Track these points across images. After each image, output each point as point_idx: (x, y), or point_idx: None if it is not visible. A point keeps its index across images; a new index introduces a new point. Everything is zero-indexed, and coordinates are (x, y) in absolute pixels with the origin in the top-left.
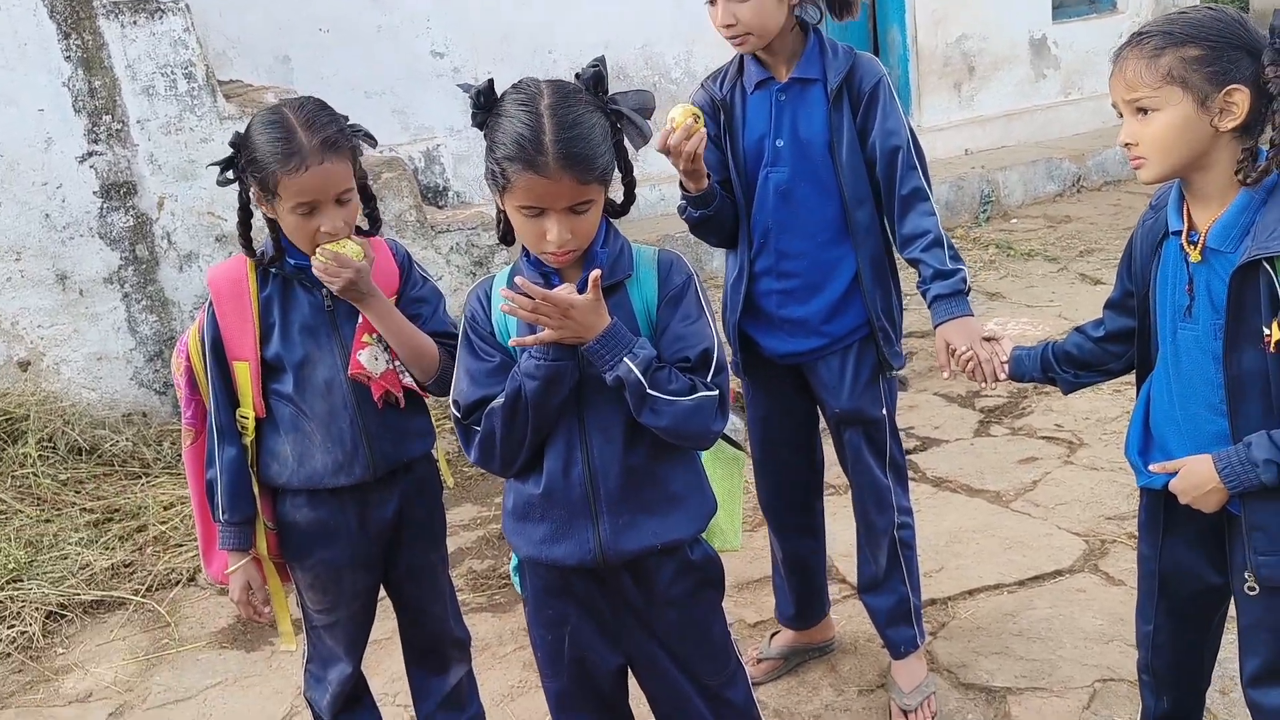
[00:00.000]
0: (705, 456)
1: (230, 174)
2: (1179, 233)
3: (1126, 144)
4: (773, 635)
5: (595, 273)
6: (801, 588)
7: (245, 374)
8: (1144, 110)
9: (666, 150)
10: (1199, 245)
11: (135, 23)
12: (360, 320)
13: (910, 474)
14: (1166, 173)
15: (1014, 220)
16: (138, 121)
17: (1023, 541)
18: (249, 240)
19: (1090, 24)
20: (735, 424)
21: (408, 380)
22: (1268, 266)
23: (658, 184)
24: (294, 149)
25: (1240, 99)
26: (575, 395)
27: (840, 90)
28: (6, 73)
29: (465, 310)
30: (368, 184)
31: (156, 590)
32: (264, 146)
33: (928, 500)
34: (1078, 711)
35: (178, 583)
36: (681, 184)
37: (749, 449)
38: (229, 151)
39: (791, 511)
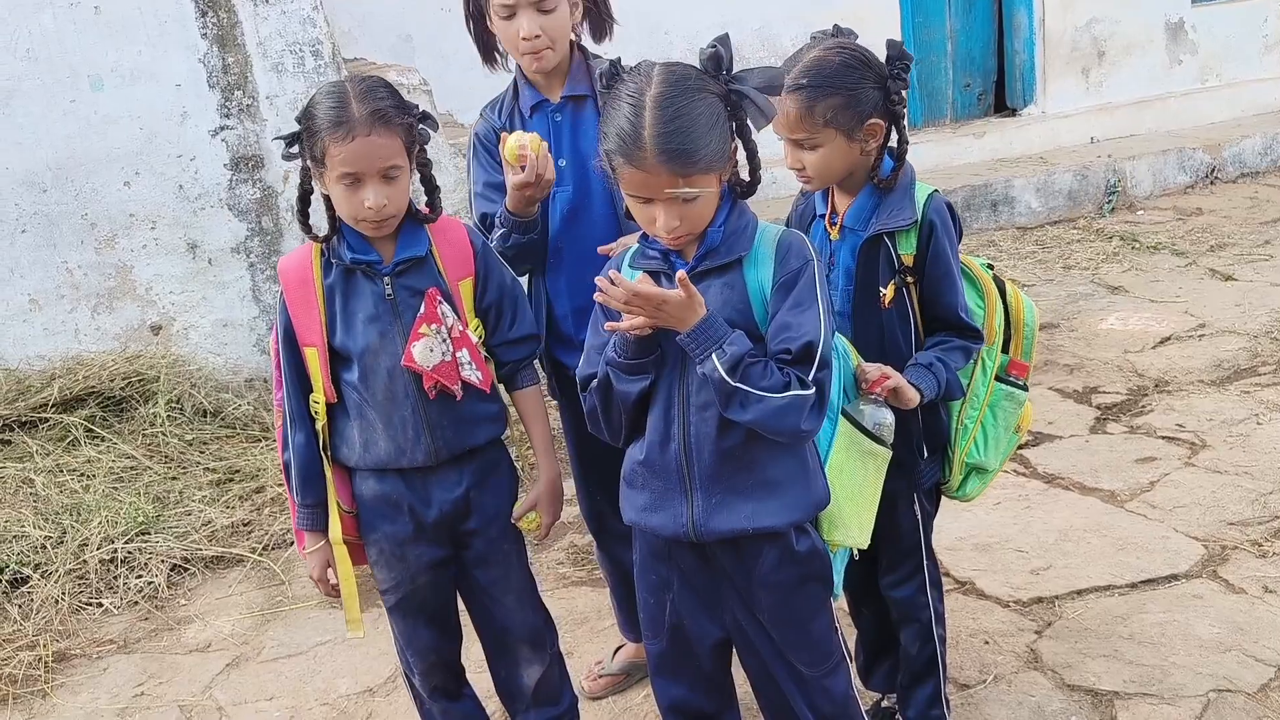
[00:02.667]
0: (839, 448)
1: (295, 149)
2: (824, 215)
3: (796, 168)
4: (616, 650)
5: (681, 273)
6: (632, 599)
7: (314, 360)
8: (804, 145)
9: (523, 179)
10: (838, 225)
11: (267, 1)
12: (422, 310)
13: (1020, 470)
14: (828, 185)
15: (1140, 212)
16: (267, 97)
17: (1137, 543)
18: (306, 217)
19: (1233, 8)
20: (883, 419)
21: (466, 374)
22: (887, 240)
23: (769, 166)
24: (344, 117)
25: (877, 128)
26: (679, 371)
27: None
28: (149, 49)
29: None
30: (430, 172)
31: (272, 549)
32: (318, 114)
33: (1038, 497)
34: None
35: (292, 543)
36: (508, 213)
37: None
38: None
39: (618, 523)
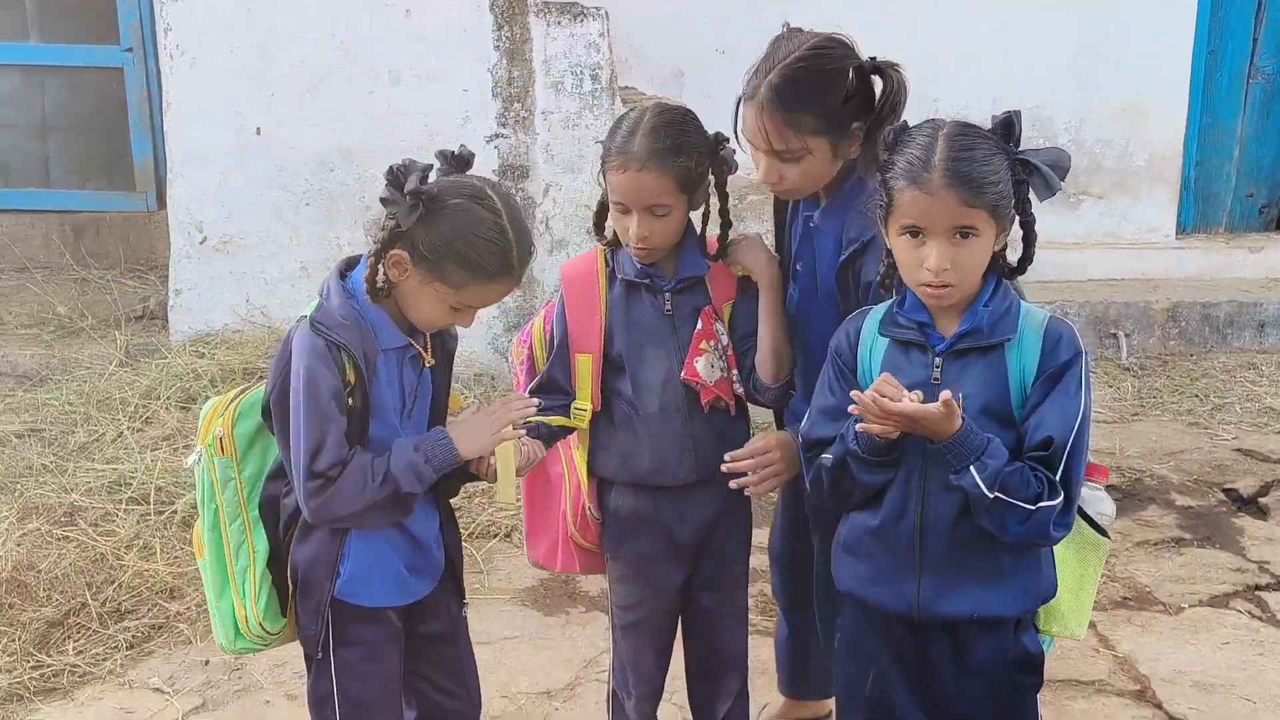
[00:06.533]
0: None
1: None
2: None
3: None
4: (763, 707)
5: (948, 395)
6: (796, 659)
7: (587, 366)
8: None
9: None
10: None
11: (559, 23)
12: (700, 327)
13: (1257, 613)
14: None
15: None
16: (542, 113)
17: None
18: (602, 223)
19: None
20: (1105, 508)
21: (739, 389)
22: None
23: (1084, 248)
24: (625, 148)
25: None
26: (922, 447)
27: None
28: (446, 54)
29: (832, 342)
30: (728, 205)
31: (476, 538)
32: (612, 137)
33: (1273, 645)
34: None
35: (495, 535)
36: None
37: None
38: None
39: (802, 590)
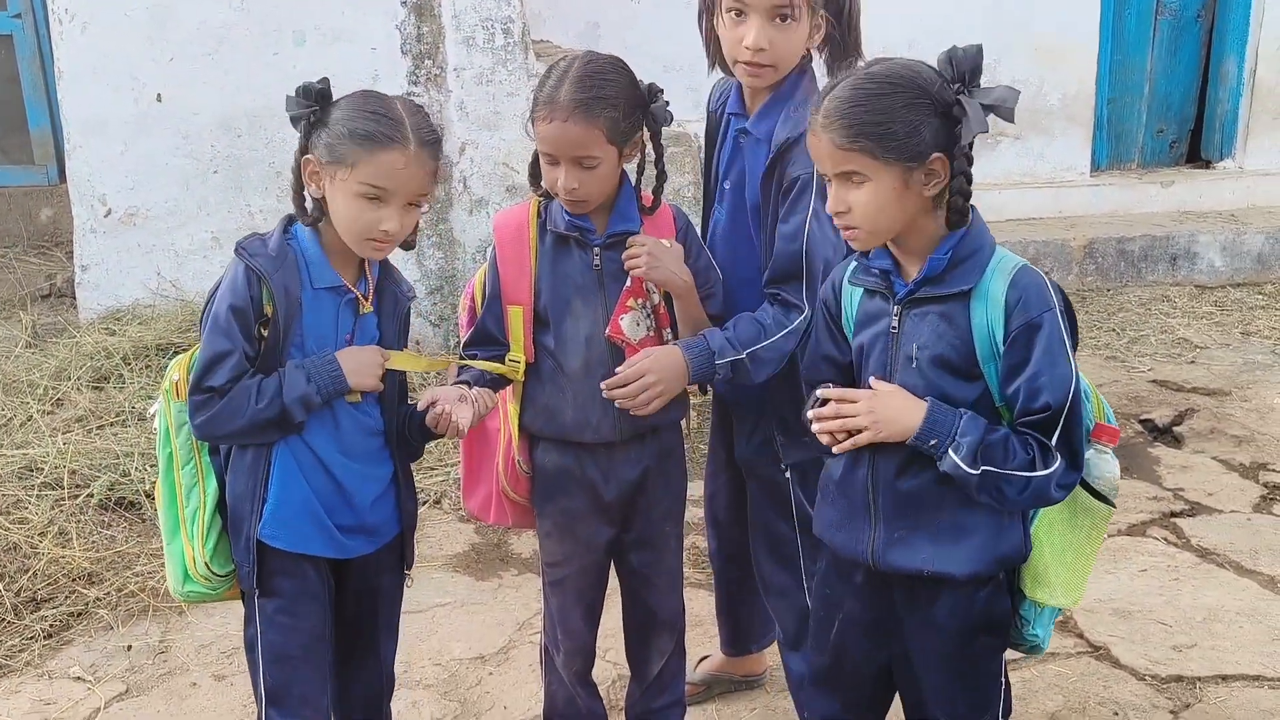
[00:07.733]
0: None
1: None
2: None
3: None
4: (701, 659)
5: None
6: (730, 614)
7: (519, 318)
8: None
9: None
10: None
11: None
12: (628, 284)
13: (1172, 540)
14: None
15: None
16: (454, 69)
17: None
18: (538, 176)
19: None
20: (1110, 476)
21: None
22: None
23: (1002, 188)
24: (552, 98)
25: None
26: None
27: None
28: (352, 11)
29: (820, 292)
30: (663, 157)
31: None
32: (540, 87)
33: (1188, 570)
34: None
35: (424, 503)
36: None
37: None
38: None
39: (732, 540)
